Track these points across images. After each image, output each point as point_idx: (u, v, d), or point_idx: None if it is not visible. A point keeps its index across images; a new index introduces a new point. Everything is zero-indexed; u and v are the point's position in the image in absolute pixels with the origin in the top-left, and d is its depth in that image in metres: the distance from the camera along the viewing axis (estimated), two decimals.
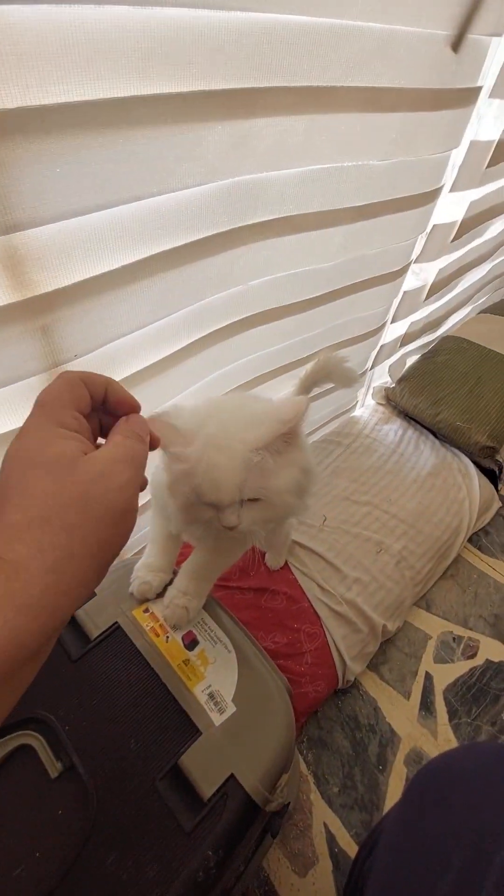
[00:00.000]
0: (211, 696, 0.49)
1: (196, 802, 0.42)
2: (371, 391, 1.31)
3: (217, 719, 0.47)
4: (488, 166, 0.86)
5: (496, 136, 0.83)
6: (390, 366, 1.26)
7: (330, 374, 0.75)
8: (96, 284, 0.46)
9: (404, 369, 1.31)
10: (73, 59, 0.34)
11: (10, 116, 0.32)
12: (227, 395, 0.69)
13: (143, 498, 0.76)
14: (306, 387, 0.74)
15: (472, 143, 0.80)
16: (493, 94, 0.75)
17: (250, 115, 0.44)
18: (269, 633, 0.86)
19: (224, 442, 0.39)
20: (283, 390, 0.88)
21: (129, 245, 0.46)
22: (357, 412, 1.28)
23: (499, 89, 0.75)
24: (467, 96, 0.70)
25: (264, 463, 0.39)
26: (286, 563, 0.94)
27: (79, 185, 0.38)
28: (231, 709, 0.48)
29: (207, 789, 0.43)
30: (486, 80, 0.73)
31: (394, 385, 1.29)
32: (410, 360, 1.34)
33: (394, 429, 1.26)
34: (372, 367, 1.15)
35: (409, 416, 1.29)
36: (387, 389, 1.31)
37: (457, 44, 0.60)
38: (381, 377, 1.31)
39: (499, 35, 0.66)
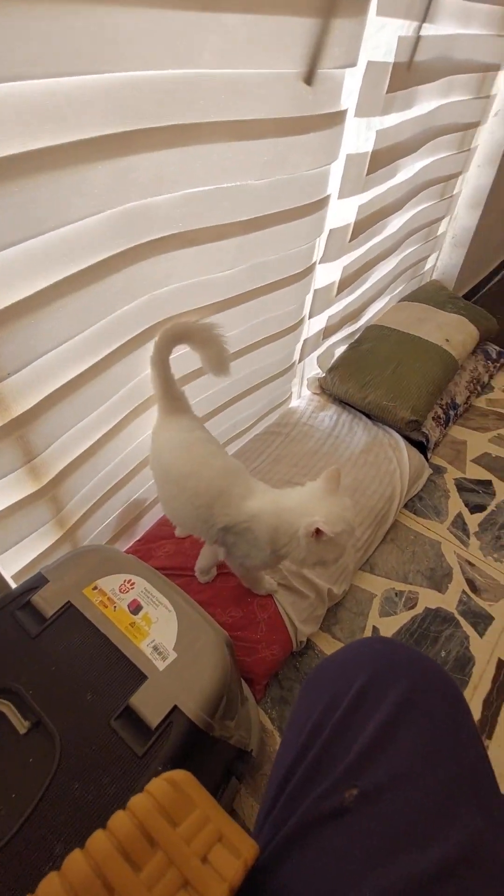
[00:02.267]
0: (155, 648, 0.56)
1: (146, 732, 0.50)
2: (305, 382, 1.42)
3: (161, 665, 0.55)
4: (368, 173, 0.99)
5: (369, 148, 0.95)
6: (318, 357, 1.37)
7: (196, 342, 0.75)
8: (16, 310, 0.54)
9: (333, 359, 1.42)
10: None
11: None
12: None
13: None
14: (160, 355, 0.74)
15: (349, 156, 0.92)
16: (357, 114, 0.87)
17: (127, 153, 0.53)
18: (226, 609, 0.93)
19: None
20: (205, 391, 0.96)
21: (40, 273, 0.54)
22: (294, 403, 1.39)
23: (361, 109, 0.87)
24: (333, 118, 0.81)
25: None
26: None
27: None
28: (173, 655, 0.56)
29: (154, 719, 0.50)
30: (351, 102, 0.85)
31: (325, 374, 1.40)
32: (339, 351, 1.45)
33: (329, 415, 1.37)
34: (300, 359, 1.26)
35: (342, 402, 1.40)
36: (319, 379, 1.42)
37: (309, 78, 0.72)
38: (313, 369, 1.42)
39: (352, 66, 0.78)
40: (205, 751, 0.55)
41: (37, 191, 0.48)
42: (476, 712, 0.89)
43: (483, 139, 1.50)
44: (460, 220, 1.70)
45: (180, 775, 0.30)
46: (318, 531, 0.64)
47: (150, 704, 0.52)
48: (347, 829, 0.31)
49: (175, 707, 0.51)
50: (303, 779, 0.36)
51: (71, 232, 0.54)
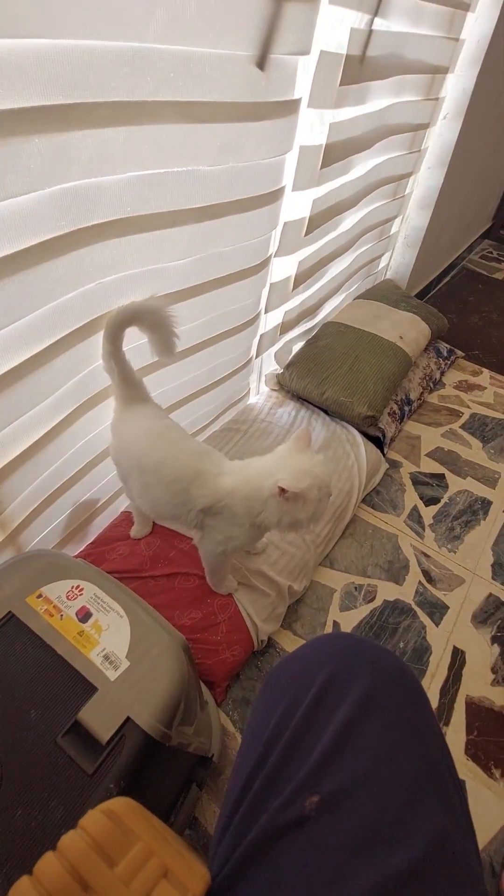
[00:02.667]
0: (106, 657, 0.53)
1: (96, 747, 0.47)
2: (263, 378, 1.40)
3: (112, 675, 0.51)
4: (322, 167, 0.98)
5: (322, 141, 0.95)
6: (276, 353, 1.36)
7: (146, 324, 0.71)
8: None
9: (291, 355, 1.42)
10: None
11: None
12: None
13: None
14: (112, 342, 0.70)
15: (302, 148, 0.91)
16: (310, 105, 0.86)
17: (66, 128, 0.50)
18: (185, 611, 0.90)
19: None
20: (162, 386, 0.93)
21: None
22: (252, 399, 1.37)
23: (314, 100, 0.86)
24: (287, 107, 0.80)
25: None
26: (195, 546, 1.00)
27: None
28: (125, 664, 0.52)
29: (105, 734, 0.47)
30: (304, 92, 0.84)
31: (283, 370, 1.39)
32: (296, 347, 1.45)
33: (287, 411, 1.36)
34: (257, 355, 1.24)
35: (300, 398, 1.40)
36: (278, 375, 1.41)
37: (262, 63, 0.70)
38: (271, 365, 1.40)
39: (305, 54, 0.77)
40: (161, 762, 0.52)
41: None
42: (433, 700, 0.91)
43: (433, 141, 1.54)
44: (412, 220, 1.74)
45: (119, 804, 0.27)
46: (281, 489, 0.64)
47: (100, 718, 0.48)
48: (308, 841, 0.30)
49: (128, 719, 0.48)
50: (263, 787, 0.34)
51: (4, 210, 0.50)
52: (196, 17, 0.56)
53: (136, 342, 0.77)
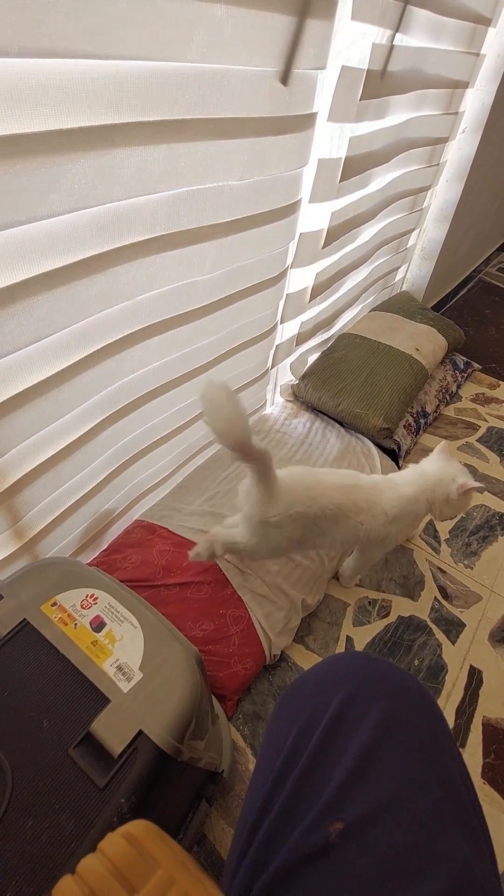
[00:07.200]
0: (119, 668, 0.52)
1: (108, 761, 0.46)
2: (278, 389, 1.40)
3: (125, 687, 0.51)
4: (341, 180, 0.98)
5: (342, 154, 0.95)
6: (291, 364, 1.36)
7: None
8: None
9: (306, 367, 1.41)
10: None
11: None
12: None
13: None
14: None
15: (322, 161, 0.91)
16: (330, 119, 0.87)
17: (110, 147, 0.50)
18: (198, 622, 0.90)
19: None
20: (186, 399, 0.94)
21: (2, 270, 0.50)
22: (267, 410, 1.37)
23: (335, 114, 0.87)
24: (305, 121, 0.81)
25: None
26: None
27: None
28: (138, 676, 0.52)
29: (118, 747, 0.47)
30: (324, 107, 0.85)
31: (298, 382, 1.39)
32: (312, 358, 1.45)
33: (302, 422, 1.35)
34: (272, 365, 1.24)
35: (315, 409, 1.40)
36: (293, 386, 1.41)
37: (285, 78, 0.71)
38: (286, 376, 1.40)
39: (322, 69, 0.78)
40: (172, 777, 0.51)
41: (7, 181, 0.44)
42: (449, 720, 0.88)
43: (451, 155, 1.54)
44: (429, 233, 1.73)
45: (139, 828, 0.26)
46: (463, 486, 0.83)
47: (112, 730, 0.48)
48: (334, 870, 0.29)
49: (140, 732, 0.48)
50: (282, 812, 0.33)
51: (43, 229, 0.50)
52: (232, 35, 0.57)
53: (148, 365, 0.78)
